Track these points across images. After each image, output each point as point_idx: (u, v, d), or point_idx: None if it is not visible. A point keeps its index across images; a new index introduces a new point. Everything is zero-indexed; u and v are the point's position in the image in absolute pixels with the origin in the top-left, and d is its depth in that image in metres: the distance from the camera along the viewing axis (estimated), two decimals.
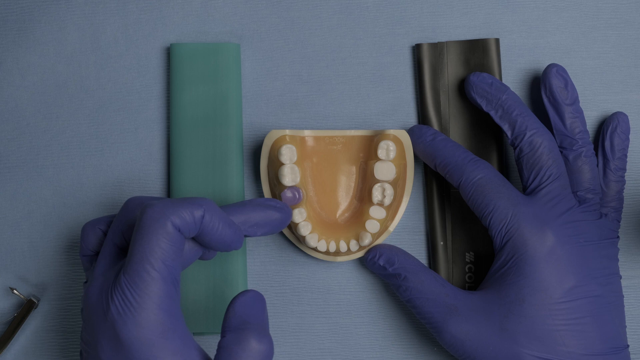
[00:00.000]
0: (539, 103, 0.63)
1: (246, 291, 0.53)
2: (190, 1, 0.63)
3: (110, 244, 0.54)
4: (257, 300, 0.53)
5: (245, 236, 0.55)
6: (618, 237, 0.59)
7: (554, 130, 0.60)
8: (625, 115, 0.61)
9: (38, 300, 0.62)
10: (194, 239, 0.54)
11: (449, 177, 0.59)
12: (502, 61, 0.63)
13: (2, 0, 0.63)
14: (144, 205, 0.52)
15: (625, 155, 0.61)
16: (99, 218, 0.57)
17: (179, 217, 0.51)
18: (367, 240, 0.60)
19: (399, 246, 0.62)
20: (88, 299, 0.52)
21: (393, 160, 0.59)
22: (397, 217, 0.62)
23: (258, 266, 0.63)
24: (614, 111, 0.62)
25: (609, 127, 0.61)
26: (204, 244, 0.54)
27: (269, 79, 0.63)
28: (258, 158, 0.63)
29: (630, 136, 0.63)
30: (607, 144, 0.61)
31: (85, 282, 0.56)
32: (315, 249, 0.60)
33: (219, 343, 0.52)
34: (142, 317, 0.50)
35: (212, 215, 0.52)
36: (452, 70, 0.63)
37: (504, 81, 0.63)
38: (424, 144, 0.60)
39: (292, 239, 0.62)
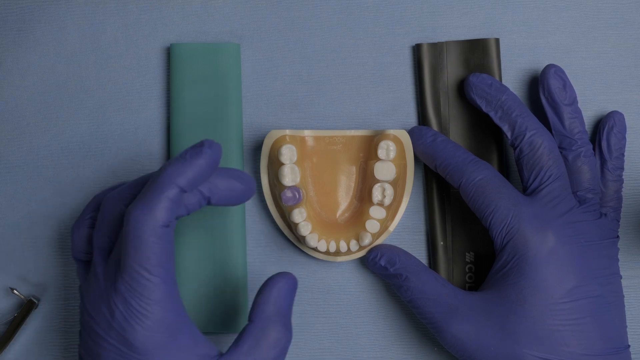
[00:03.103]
0: (538, 103, 0.63)
1: (285, 277, 0.54)
2: (190, 1, 0.63)
3: (98, 251, 0.54)
4: (293, 288, 0.55)
5: (209, 203, 0.54)
6: (618, 236, 0.59)
7: (553, 131, 0.60)
8: (621, 115, 0.61)
9: (38, 300, 0.62)
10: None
11: (449, 178, 0.59)
12: (502, 61, 0.63)
13: (2, 0, 0.63)
14: (128, 209, 0.51)
15: (623, 155, 0.61)
16: (82, 217, 0.56)
17: (165, 210, 0.50)
18: (367, 240, 0.60)
19: (399, 246, 0.62)
20: (88, 305, 0.52)
21: (393, 160, 0.59)
22: (397, 217, 0.62)
23: (258, 266, 0.63)
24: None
25: (605, 127, 0.61)
26: (215, 202, 0.53)
27: (269, 79, 0.63)
28: (258, 158, 0.63)
29: (629, 136, 0.63)
30: (604, 143, 0.61)
31: (80, 286, 0.55)
32: (315, 249, 0.60)
33: (246, 328, 0.53)
34: (151, 322, 0.50)
35: (193, 180, 0.51)
36: (452, 70, 0.63)
37: (503, 81, 0.63)
38: (424, 145, 0.60)
39: (292, 239, 0.62)
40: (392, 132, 0.60)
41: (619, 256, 0.62)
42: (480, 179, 0.57)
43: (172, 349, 0.51)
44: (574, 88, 0.62)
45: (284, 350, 0.53)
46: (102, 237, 0.54)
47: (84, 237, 0.55)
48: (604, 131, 0.61)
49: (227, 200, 0.54)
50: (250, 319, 0.54)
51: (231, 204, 0.54)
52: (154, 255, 0.50)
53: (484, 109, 0.60)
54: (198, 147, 0.51)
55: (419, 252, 0.63)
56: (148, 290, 0.50)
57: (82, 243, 0.55)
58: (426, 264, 0.63)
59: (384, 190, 0.59)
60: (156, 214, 0.50)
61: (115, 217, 0.53)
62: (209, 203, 0.53)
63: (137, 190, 0.54)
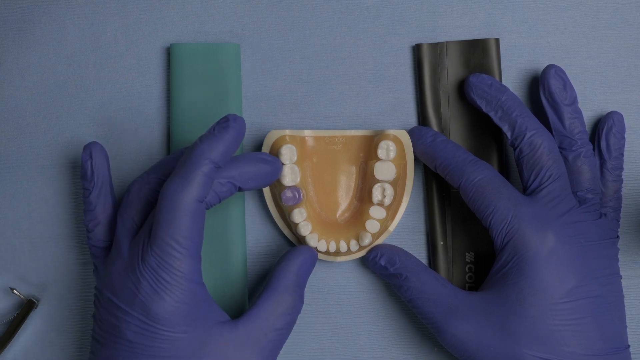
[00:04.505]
0: (538, 103, 0.63)
1: (309, 251, 0.58)
2: (190, 1, 0.63)
3: (123, 232, 0.56)
4: (314, 264, 0.59)
5: (239, 190, 0.56)
6: (618, 236, 0.59)
7: (553, 131, 0.60)
8: (620, 115, 0.61)
9: (38, 301, 0.62)
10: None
11: (449, 178, 0.59)
12: (502, 61, 0.63)
13: (2, 0, 0.63)
14: (164, 186, 0.53)
15: (622, 154, 0.61)
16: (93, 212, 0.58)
17: (200, 186, 0.52)
18: (367, 240, 0.60)
19: (399, 246, 0.62)
20: (108, 282, 0.54)
21: (393, 160, 0.59)
22: (397, 217, 0.62)
23: (258, 266, 0.63)
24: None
25: (604, 127, 0.61)
26: (240, 184, 0.55)
27: (269, 79, 0.63)
28: None
29: (629, 136, 0.63)
30: (603, 144, 0.61)
31: (95, 270, 0.57)
32: (315, 249, 0.60)
33: (265, 293, 0.56)
34: (179, 292, 0.53)
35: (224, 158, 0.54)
36: (452, 70, 0.63)
37: (503, 81, 0.63)
38: (424, 145, 0.60)
39: (292, 239, 0.62)
40: (392, 132, 0.60)
41: (619, 256, 0.62)
42: (480, 179, 0.57)
43: (193, 318, 0.53)
44: (574, 88, 0.62)
45: (293, 320, 0.56)
46: (128, 218, 0.56)
47: (107, 222, 0.58)
48: (603, 131, 0.61)
49: (257, 184, 0.56)
50: (268, 285, 0.56)
51: (261, 187, 0.57)
52: (186, 229, 0.52)
53: (484, 109, 0.60)
54: (224, 122, 0.54)
55: (419, 252, 0.63)
56: (178, 262, 0.52)
57: (104, 229, 0.58)
58: (426, 264, 0.62)
59: (384, 190, 0.59)
60: (192, 189, 0.52)
61: (141, 199, 0.56)
62: (239, 189, 0.56)
63: (163, 173, 0.57)
